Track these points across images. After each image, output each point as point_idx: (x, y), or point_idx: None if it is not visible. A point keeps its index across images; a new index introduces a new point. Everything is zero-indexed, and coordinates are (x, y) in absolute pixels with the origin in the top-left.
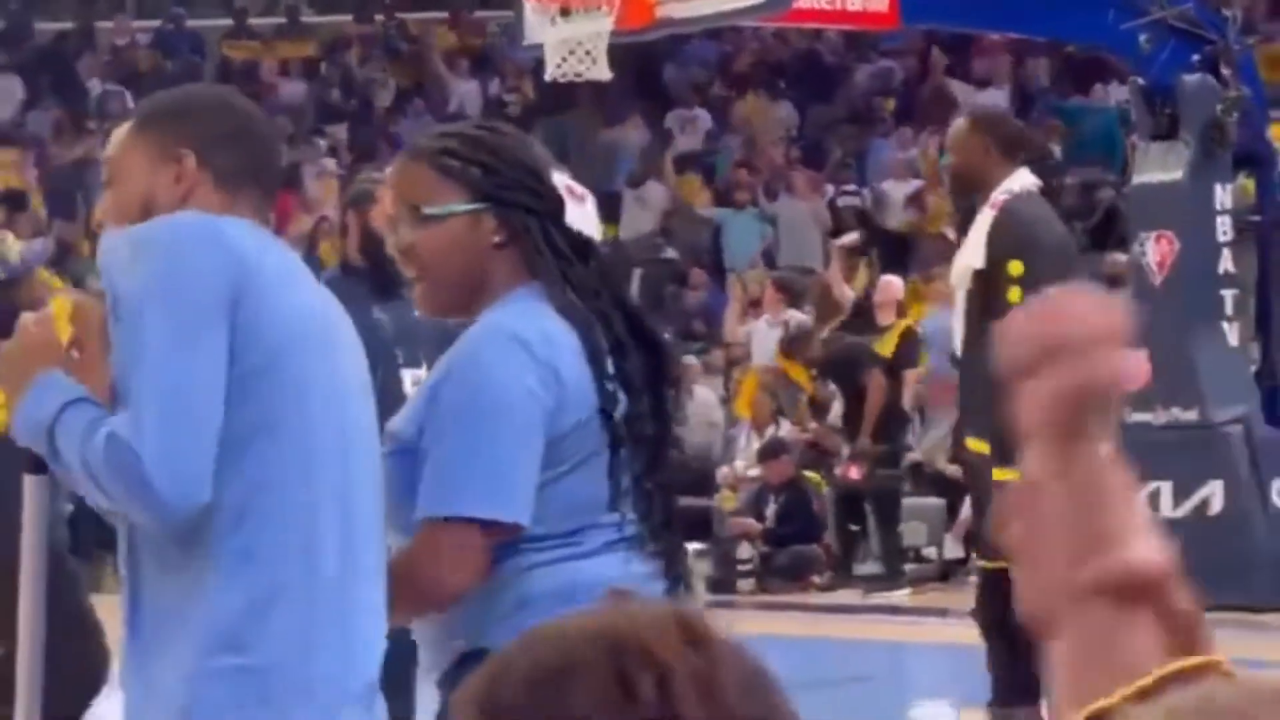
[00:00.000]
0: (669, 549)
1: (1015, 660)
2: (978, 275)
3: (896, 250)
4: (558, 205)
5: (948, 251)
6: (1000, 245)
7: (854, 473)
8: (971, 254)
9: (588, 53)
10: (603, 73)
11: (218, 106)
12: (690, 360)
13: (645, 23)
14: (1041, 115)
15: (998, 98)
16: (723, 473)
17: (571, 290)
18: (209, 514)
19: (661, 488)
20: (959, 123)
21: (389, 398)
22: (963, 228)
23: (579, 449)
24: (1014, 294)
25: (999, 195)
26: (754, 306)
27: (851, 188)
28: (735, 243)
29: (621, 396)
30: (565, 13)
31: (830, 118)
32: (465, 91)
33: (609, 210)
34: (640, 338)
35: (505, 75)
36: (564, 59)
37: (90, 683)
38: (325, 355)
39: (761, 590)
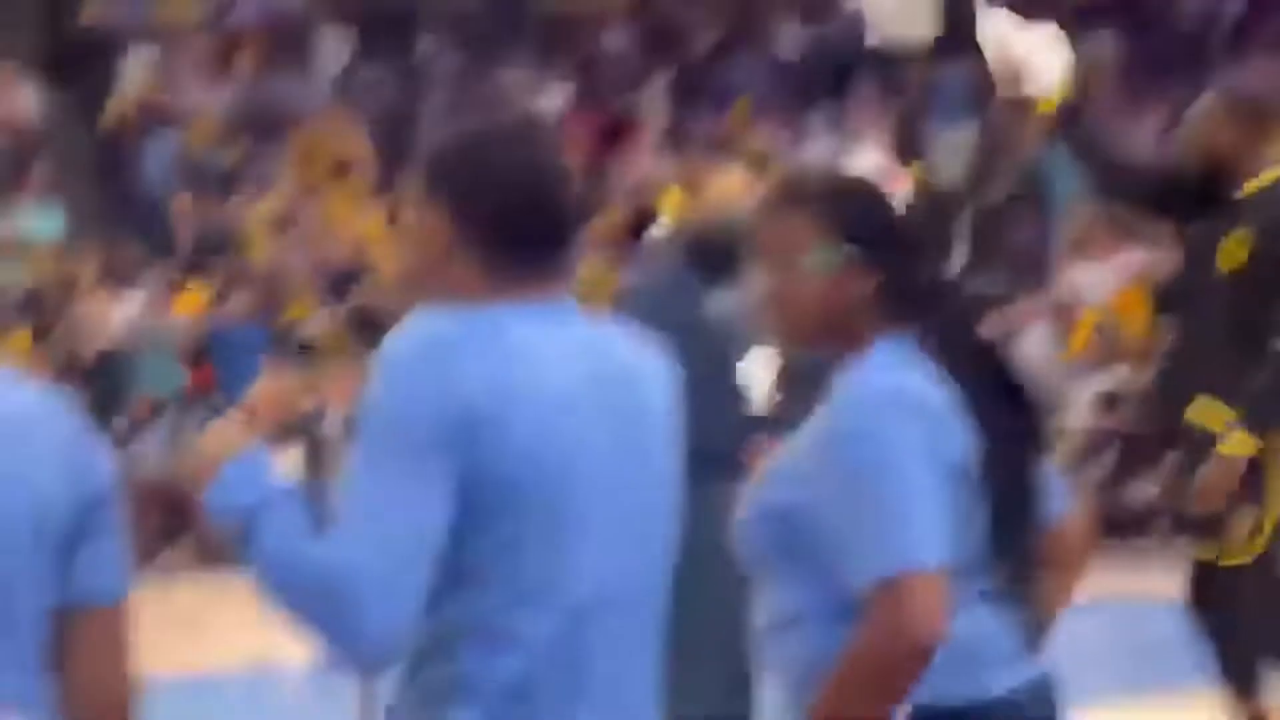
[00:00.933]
0: (1029, 602)
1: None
2: None
3: None
4: (925, 252)
5: None
6: None
7: None
8: None
9: (915, 16)
10: (927, 30)
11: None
12: (1016, 305)
13: None
14: None
15: None
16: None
17: (936, 338)
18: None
19: (1023, 542)
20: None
21: (725, 395)
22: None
23: (954, 500)
24: None
25: None
26: (1081, 245)
27: None
28: (1061, 177)
29: (984, 448)
30: None
31: (1158, 51)
32: (791, 36)
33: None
34: (1005, 387)
35: (836, 19)
36: (890, 25)
37: None
38: (574, 490)
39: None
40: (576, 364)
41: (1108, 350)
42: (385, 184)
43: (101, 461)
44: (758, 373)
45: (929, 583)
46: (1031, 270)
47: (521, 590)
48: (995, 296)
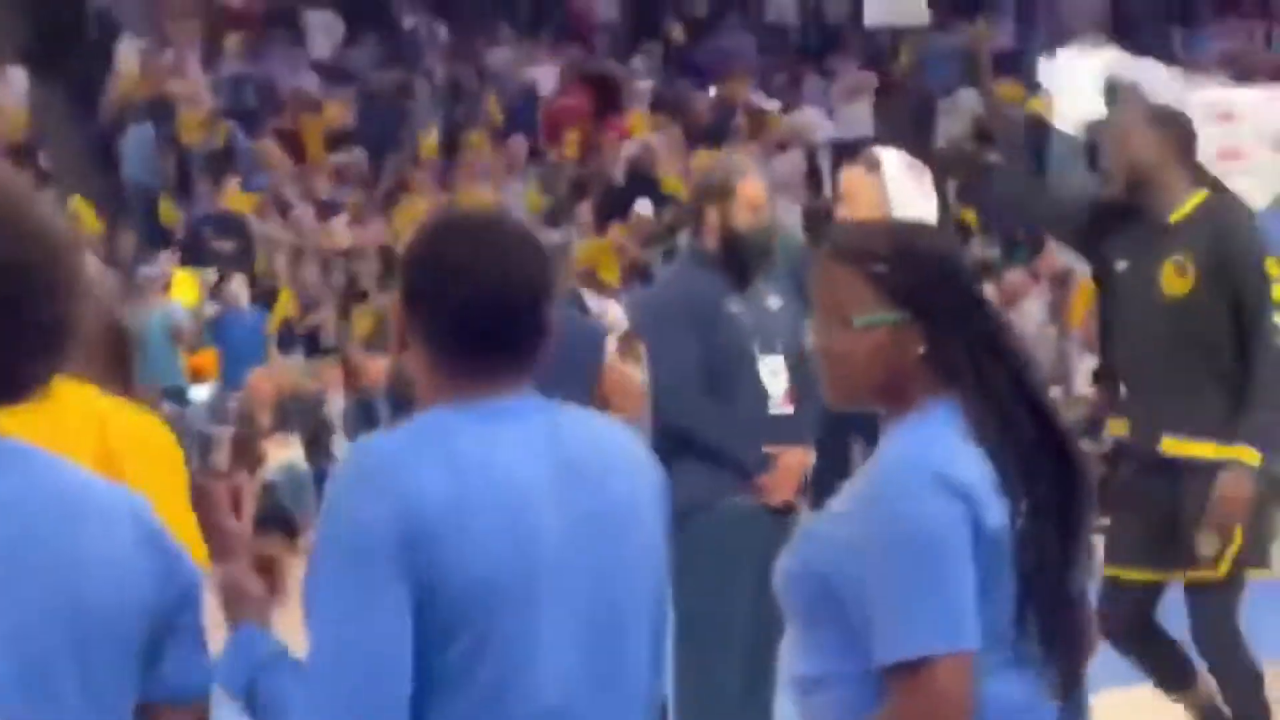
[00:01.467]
0: (1067, 670)
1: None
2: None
3: None
4: (980, 314)
5: None
6: None
7: None
8: None
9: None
10: (921, 17)
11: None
12: (1015, 275)
13: None
14: None
15: None
16: (1054, 394)
17: (989, 404)
18: None
19: (1063, 610)
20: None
21: (748, 389)
22: None
23: (989, 571)
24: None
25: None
26: None
27: None
28: (1059, 144)
29: (1028, 518)
30: None
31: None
32: (783, 2)
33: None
34: (1056, 452)
35: None
36: (882, 5)
37: None
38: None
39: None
40: (536, 463)
41: None
42: (375, 164)
43: (186, 561)
44: (777, 375)
45: (954, 667)
46: (1027, 239)
47: (489, 697)
48: (990, 265)
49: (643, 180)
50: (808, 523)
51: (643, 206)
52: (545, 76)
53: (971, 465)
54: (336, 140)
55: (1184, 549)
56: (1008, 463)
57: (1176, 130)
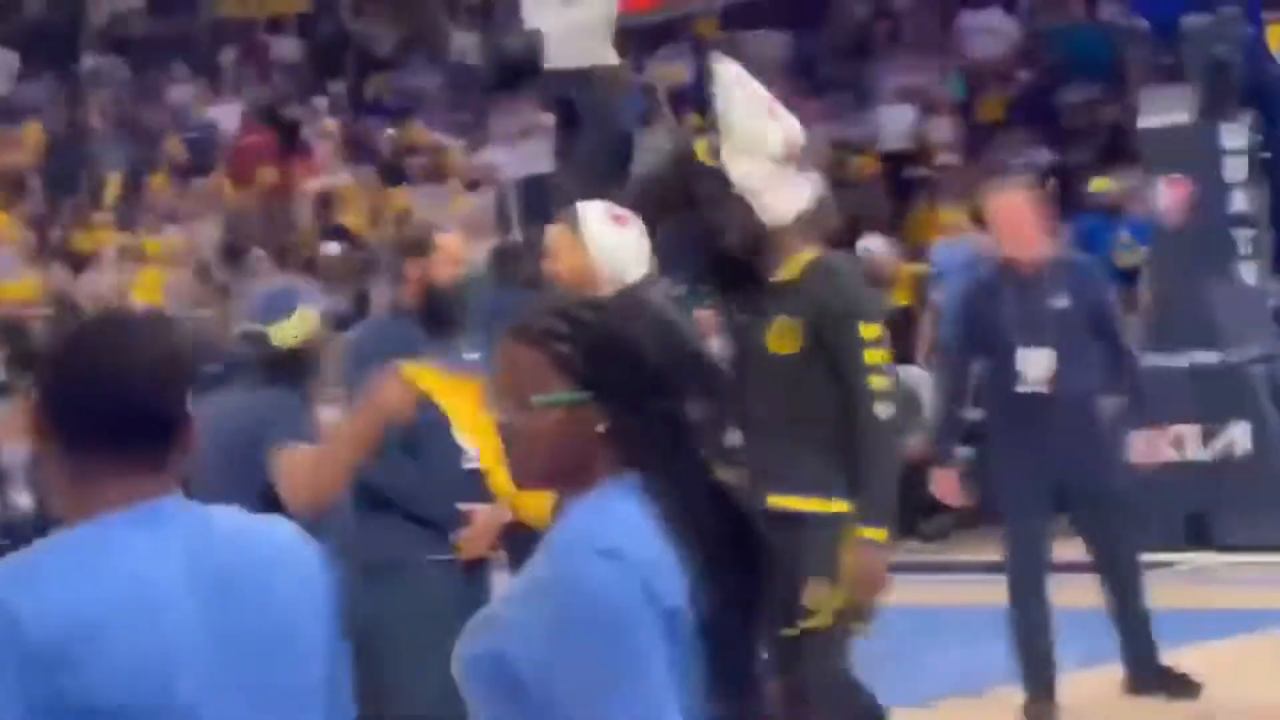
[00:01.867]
0: None
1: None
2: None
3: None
4: (663, 392)
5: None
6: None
7: None
8: None
9: (590, 40)
10: (609, 57)
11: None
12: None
13: (652, 5)
14: (1039, 32)
15: (996, 18)
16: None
17: (669, 484)
18: None
19: (749, 688)
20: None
21: (442, 445)
22: None
23: (672, 646)
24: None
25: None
26: None
27: (852, 118)
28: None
29: (712, 598)
30: None
31: (829, 45)
32: (466, 41)
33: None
34: (737, 532)
35: (510, 24)
36: (565, 48)
37: None
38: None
39: None
40: (177, 575)
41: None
42: (53, 203)
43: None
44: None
45: None
46: None
47: None
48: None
49: (329, 221)
50: (487, 608)
51: (329, 248)
52: (227, 116)
53: (649, 541)
54: (11, 181)
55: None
56: (688, 542)
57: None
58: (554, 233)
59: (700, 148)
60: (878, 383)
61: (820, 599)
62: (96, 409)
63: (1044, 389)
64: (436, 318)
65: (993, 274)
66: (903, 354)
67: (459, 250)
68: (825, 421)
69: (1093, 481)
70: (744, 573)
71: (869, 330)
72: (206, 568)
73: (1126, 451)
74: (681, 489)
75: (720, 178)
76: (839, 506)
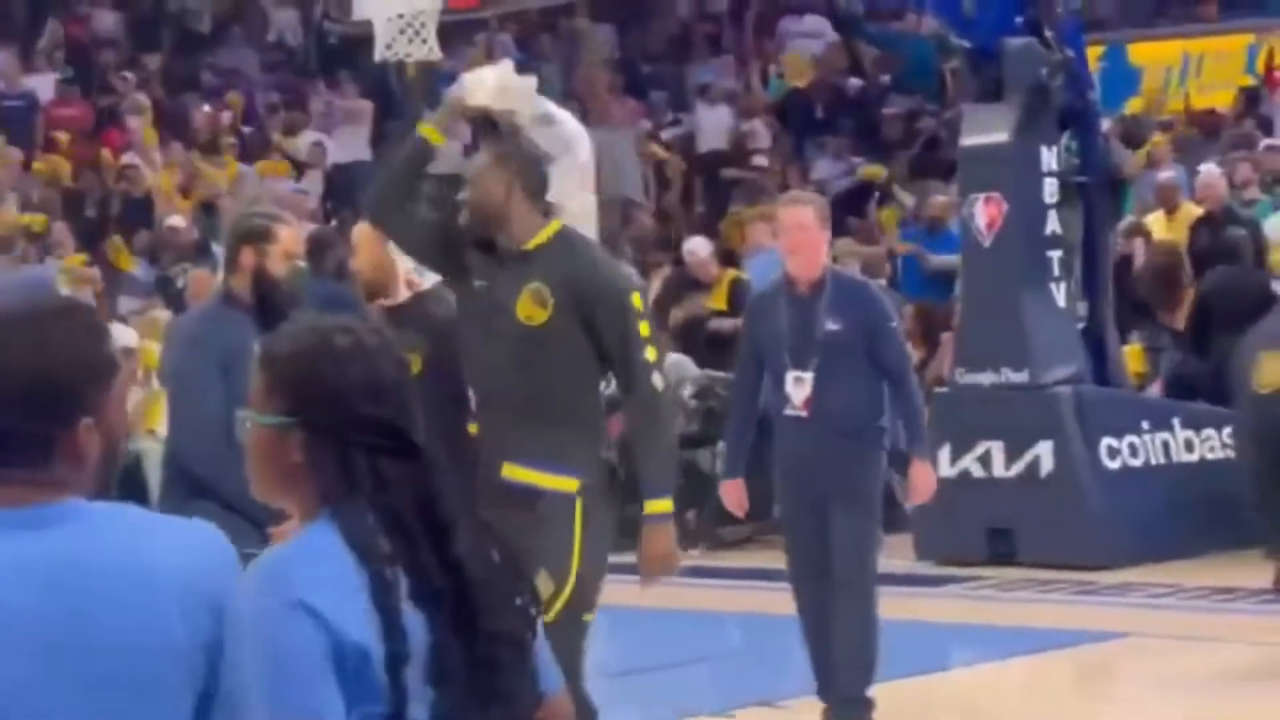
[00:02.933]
0: None
1: None
2: None
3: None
4: (368, 423)
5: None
6: None
7: None
8: None
9: (417, 32)
10: (434, 53)
11: None
12: None
13: (475, 2)
14: (860, 42)
15: (817, 24)
16: None
17: (375, 517)
18: None
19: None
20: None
21: None
22: None
23: (359, 686)
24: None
25: None
26: None
27: (671, 117)
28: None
29: (423, 633)
30: None
31: (650, 44)
32: (286, 21)
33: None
34: (449, 566)
35: (331, 6)
36: (393, 39)
37: None
38: None
39: None
40: (28, 576)
41: None
42: None
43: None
44: None
45: None
46: None
47: None
48: None
49: (139, 198)
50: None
51: (173, 221)
52: (43, 86)
53: (335, 584)
54: None
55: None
56: (384, 581)
57: (522, 164)
58: (357, 229)
59: (429, 130)
60: (652, 354)
61: (550, 588)
62: None
63: (803, 413)
64: (269, 309)
65: (776, 289)
66: (726, 363)
67: (297, 244)
68: (565, 393)
69: (844, 507)
70: (457, 606)
71: (638, 301)
72: (58, 567)
73: (900, 485)
74: (387, 523)
75: (451, 176)
76: (573, 484)
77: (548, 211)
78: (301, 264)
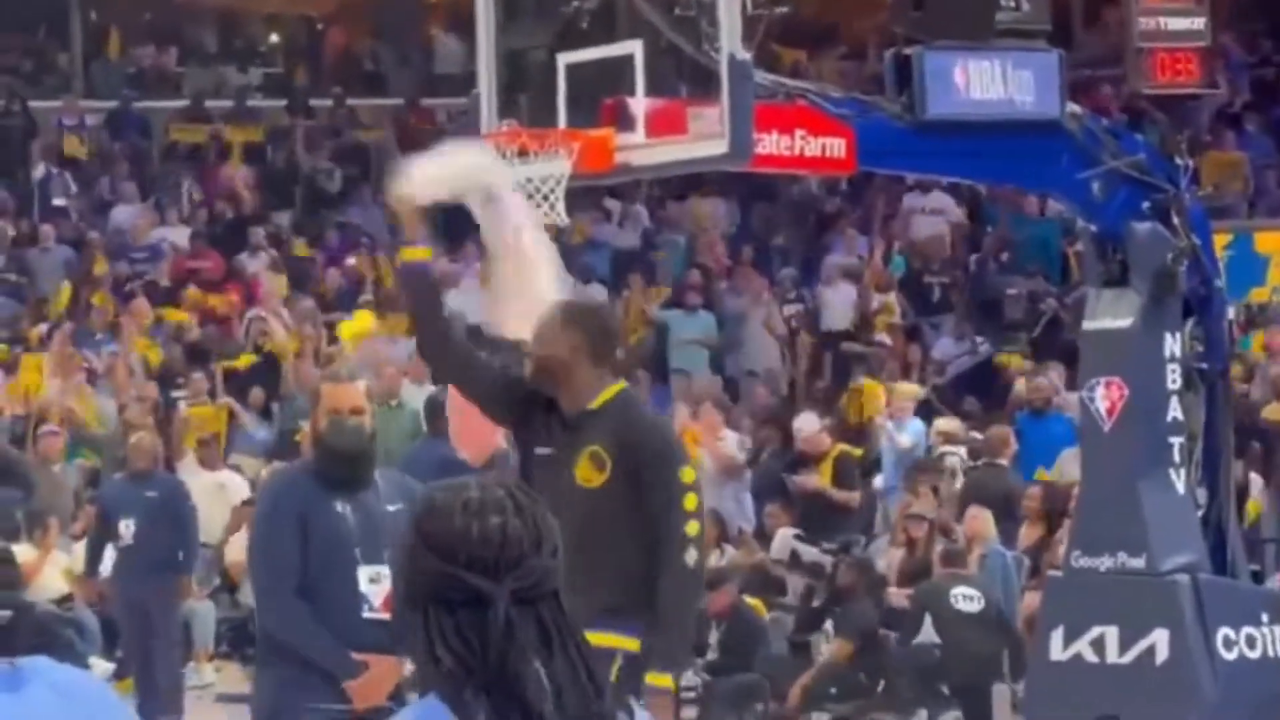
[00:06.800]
0: None
1: None
2: None
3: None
4: (476, 597)
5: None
6: None
7: None
8: None
9: (545, 197)
10: (561, 217)
11: None
12: None
13: (605, 167)
14: (983, 221)
15: (941, 201)
16: None
17: (472, 693)
18: None
19: None
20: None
21: (342, 593)
22: None
23: None
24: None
25: None
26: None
27: (794, 293)
28: (681, 344)
29: None
30: (523, 154)
31: (775, 218)
32: None
33: None
34: None
35: None
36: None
37: None
38: None
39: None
40: None
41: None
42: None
43: None
44: (376, 582)
45: None
46: None
47: None
48: None
49: (265, 350)
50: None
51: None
52: (176, 237)
53: None
54: None
55: None
56: None
57: (589, 326)
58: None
59: (410, 253)
60: (692, 529)
61: None
62: None
63: None
64: (329, 470)
65: None
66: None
67: (349, 399)
68: (615, 554)
69: None
70: None
71: (688, 475)
72: None
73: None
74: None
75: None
76: (624, 642)
77: (609, 373)
78: (357, 420)
